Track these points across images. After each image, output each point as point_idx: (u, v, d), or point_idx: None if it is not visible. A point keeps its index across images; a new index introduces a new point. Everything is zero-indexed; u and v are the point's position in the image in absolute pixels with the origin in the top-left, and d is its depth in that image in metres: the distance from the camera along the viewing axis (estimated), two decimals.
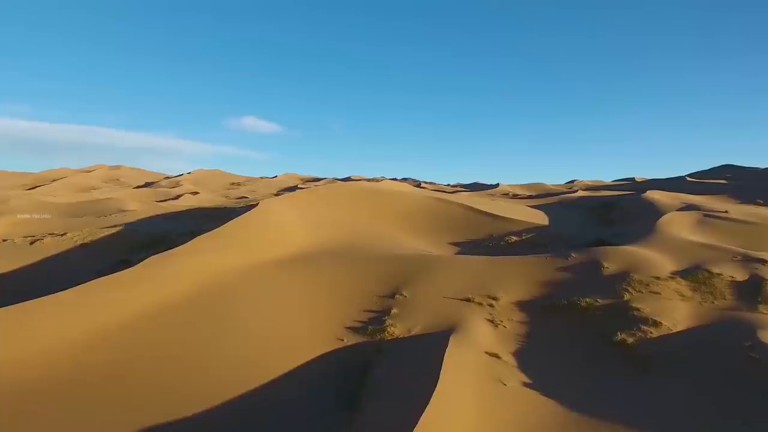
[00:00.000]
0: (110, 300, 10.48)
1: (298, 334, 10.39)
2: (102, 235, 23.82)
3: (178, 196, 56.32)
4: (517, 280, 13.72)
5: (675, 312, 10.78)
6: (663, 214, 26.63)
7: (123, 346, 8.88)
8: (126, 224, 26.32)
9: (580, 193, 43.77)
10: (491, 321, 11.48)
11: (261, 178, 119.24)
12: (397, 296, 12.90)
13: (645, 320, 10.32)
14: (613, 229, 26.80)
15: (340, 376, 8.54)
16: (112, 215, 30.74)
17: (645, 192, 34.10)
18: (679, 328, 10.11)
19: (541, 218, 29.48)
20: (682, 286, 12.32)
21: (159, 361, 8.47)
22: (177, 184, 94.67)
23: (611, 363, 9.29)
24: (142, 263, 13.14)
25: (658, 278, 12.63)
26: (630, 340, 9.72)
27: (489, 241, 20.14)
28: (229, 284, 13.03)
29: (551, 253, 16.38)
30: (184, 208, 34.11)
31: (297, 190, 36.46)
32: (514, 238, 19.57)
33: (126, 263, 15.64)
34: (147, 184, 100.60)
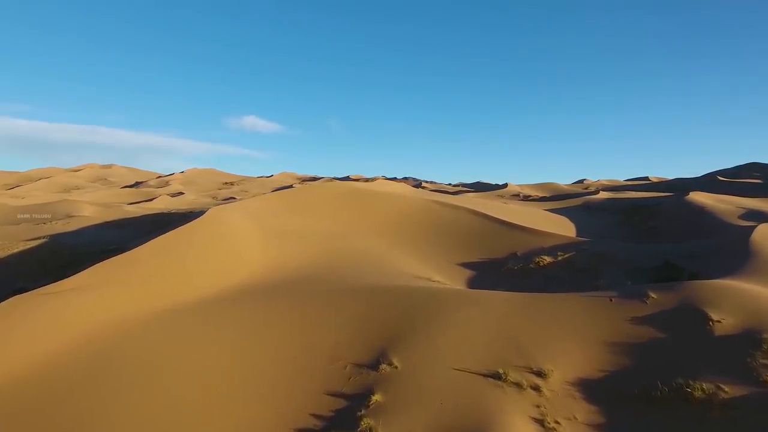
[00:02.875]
0: None
1: None
2: (17, 249, 18.86)
3: (152, 198, 51.26)
4: (571, 339, 8.58)
5: None
6: (723, 222, 21.40)
7: None
8: (56, 235, 21.48)
9: (603, 195, 38.47)
10: (539, 419, 6.53)
11: (257, 177, 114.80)
12: (382, 366, 7.93)
13: None
14: (659, 240, 21.56)
15: None
16: (54, 222, 25.89)
17: (686, 194, 28.79)
18: None
19: (567, 227, 24.27)
20: None
21: None
22: (165, 184, 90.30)
23: None
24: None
25: None
26: None
27: (511, 261, 14.96)
28: (113, 345, 7.98)
29: (612, 288, 11.23)
30: (144, 213, 29.18)
31: (264, 195, 31.49)
32: (547, 258, 14.39)
33: (20, 292, 10.70)
34: (136, 184, 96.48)
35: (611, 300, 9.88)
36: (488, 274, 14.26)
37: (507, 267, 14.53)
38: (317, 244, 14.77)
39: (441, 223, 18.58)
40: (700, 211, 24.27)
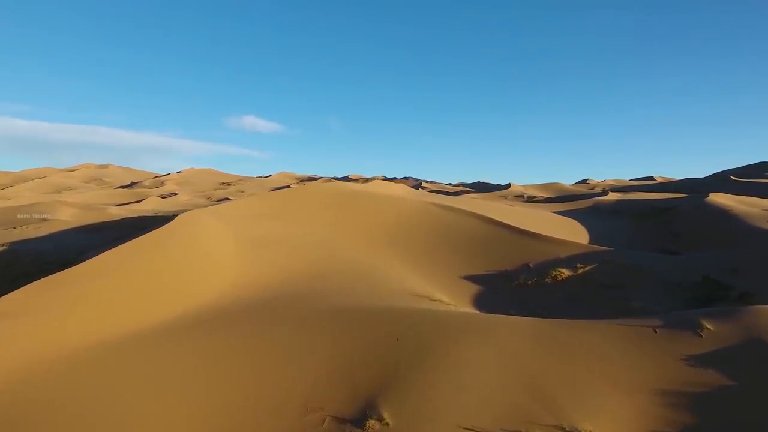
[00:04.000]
0: None
1: None
2: None
3: (141, 200, 49.33)
4: (611, 386, 6.70)
5: None
6: (753, 227, 19.46)
7: None
8: (20, 241, 19.66)
9: (613, 196, 36.52)
10: None
11: (255, 177, 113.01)
12: (370, 422, 6.04)
13: None
14: (683, 247, 19.63)
15: None
16: (24, 227, 24.06)
17: (705, 195, 26.85)
18: None
19: (579, 232, 22.35)
20: None
21: None
22: (160, 184, 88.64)
23: None
24: None
25: None
26: None
27: (523, 274, 13.04)
28: (23, 394, 6.10)
29: (649, 311, 9.34)
30: (125, 216, 27.34)
31: (240, 199, 29.59)
32: (565, 272, 12.48)
33: None
34: (131, 184, 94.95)
35: (655, 331, 7.96)
36: (497, 290, 12.35)
37: (519, 281, 12.62)
38: (301, 254, 12.87)
39: (442, 230, 16.67)
40: (725, 214, 22.33)
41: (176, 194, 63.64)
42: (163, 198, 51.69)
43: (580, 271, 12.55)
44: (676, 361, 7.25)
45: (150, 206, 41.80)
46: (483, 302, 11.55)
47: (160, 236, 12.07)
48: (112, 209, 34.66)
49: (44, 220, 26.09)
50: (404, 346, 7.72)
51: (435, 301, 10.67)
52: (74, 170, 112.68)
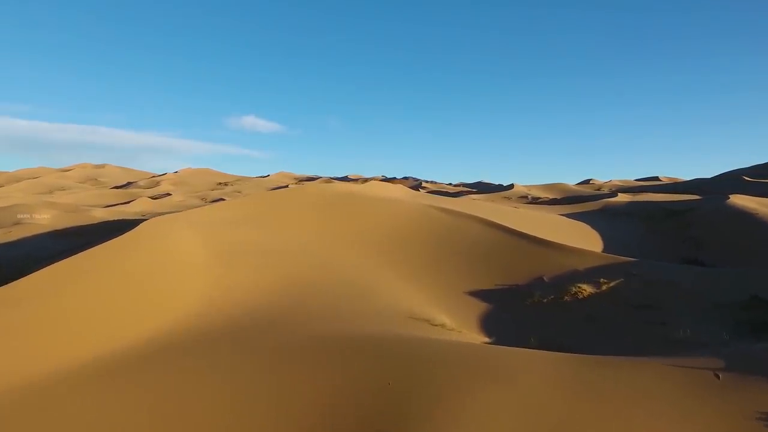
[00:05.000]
0: None
1: None
2: None
3: (129, 201, 47.64)
4: None
5: None
6: None
7: None
8: None
9: (623, 197, 34.77)
10: None
11: (253, 177, 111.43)
12: None
13: None
14: (708, 254, 17.93)
15: None
16: None
17: (725, 197, 25.09)
18: None
19: (592, 238, 20.65)
20: None
21: None
22: (156, 185, 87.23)
23: None
24: None
25: None
26: None
27: (538, 290, 11.34)
28: None
29: (697, 341, 7.67)
30: (105, 219, 25.71)
31: (218, 202, 27.91)
32: (587, 288, 10.78)
33: None
34: (127, 184, 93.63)
35: (718, 376, 6.26)
36: (508, 309, 10.65)
37: (533, 299, 10.91)
38: (281, 267, 11.19)
39: (444, 236, 14.96)
40: (749, 217, 20.60)
41: (170, 195, 61.97)
42: (154, 199, 50.00)
43: (603, 288, 10.85)
44: (749, 420, 5.55)
45: (138, 208, 40.13)
46: (493, 326, 9.87)
47: (120, 246, 10.42)
48: (97, 211, 32.99)
49: (16, 224, 24.41)
50: (402, 396, 6.02)
51: (436, 326, 8.99)
52: (69, 170, 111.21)
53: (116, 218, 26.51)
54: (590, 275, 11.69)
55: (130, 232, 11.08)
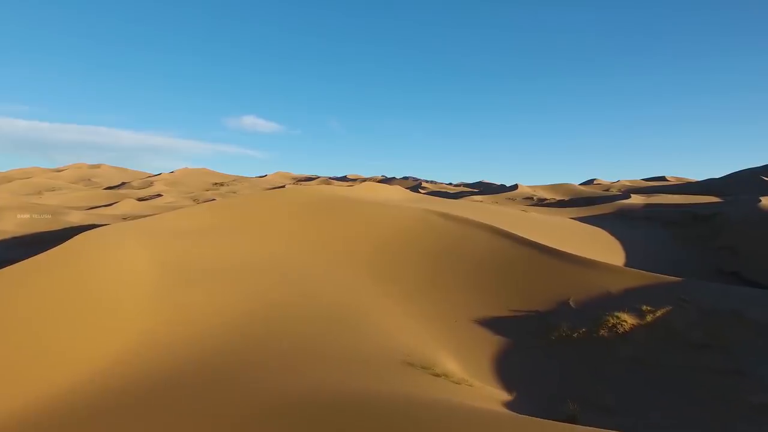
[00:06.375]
0: None
1: None
2: None
3: (113, 203, 45.38)
4: None
5: None
6: None
7: None
8: None
9: (636, 199, 32.48)
10: None
11: (250, 177, 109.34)
12: None
13: None
14: (748, 265, 15.70)
15: None
16: None
17: (757, 200, 22.82)
18: None
19: (612, 247, 18.40)
20: None
21: None
22: (149, 185, 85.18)
23: None
24: None
25: None
26: None
27: (564, 319, 9.11)
28: None
29: None
30: (76, 224, 23.58)
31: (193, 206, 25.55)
32: (628, 320, 8.55)
33: None
34: (121, 185, 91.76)
35: None
36: (530, 348, 8.42)
37: (560, 332, 8.68)
38: (245, 290, 8.96)
39: (447, 249, 12.72)
40: None
41: (161, 195, 59.73)
42: (141, 201, 47.74)
43: (648, 318, 8.61)
44: None
45: (121, 210, 37.94)
46: (512, 371, 7.63)
47: (37, 266, 8.24)
48: (75, 215, 30.85)
49: None
50: None
51: (439, 376, 6.77)
52: (62, 170, 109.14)
53: (89, 223, 24.37)
54: (628, 300, 9.45)
55: (53, 250, 8.88)
